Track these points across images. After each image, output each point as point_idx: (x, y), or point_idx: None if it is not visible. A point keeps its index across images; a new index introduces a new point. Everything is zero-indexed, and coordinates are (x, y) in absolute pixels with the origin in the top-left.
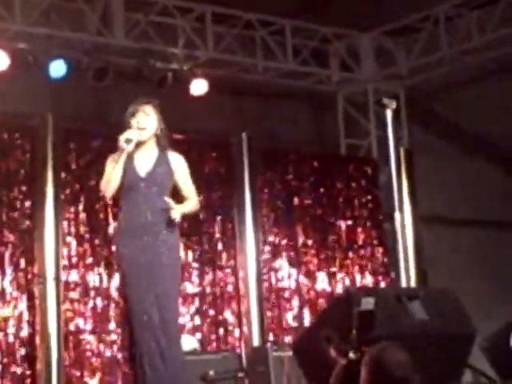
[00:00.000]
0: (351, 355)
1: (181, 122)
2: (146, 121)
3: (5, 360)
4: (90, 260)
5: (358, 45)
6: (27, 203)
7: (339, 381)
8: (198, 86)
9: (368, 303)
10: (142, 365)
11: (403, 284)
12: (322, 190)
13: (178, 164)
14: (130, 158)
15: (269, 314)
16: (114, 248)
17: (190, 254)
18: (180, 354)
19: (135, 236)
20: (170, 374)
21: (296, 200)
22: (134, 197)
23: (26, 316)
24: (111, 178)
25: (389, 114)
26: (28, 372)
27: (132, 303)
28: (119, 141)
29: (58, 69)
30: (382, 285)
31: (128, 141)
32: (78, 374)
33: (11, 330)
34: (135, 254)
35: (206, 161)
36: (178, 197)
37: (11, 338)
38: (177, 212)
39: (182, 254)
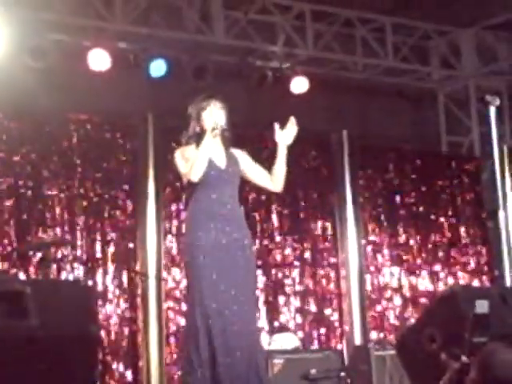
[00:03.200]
0: (464, 359)
1: (281, 120)
2: (217, 115)
3: (107, 357)
4: None
5: (459, 41)
6: (129, 202)
7: None
8: (298, 84)
9: (482, 306)
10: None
11: (507, 283)
12: (423, 187)
13: (242, 156)
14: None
15: (371, 312)
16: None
17: (291, 252)
18: None
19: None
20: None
21: (397, 198)
22: (211, 189)
23: (127, 314)
24: (198, 164)
25: (492, 111)
26: (130, 369)
27: (207, 299)
28: (211, 124)
29: (158, 68)
30: (486, 283)
31: (217, 125)
32: (179, 373)
33: (114, 327)
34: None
35: (306, 159)
36: None
37: (113, 336)
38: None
39: None
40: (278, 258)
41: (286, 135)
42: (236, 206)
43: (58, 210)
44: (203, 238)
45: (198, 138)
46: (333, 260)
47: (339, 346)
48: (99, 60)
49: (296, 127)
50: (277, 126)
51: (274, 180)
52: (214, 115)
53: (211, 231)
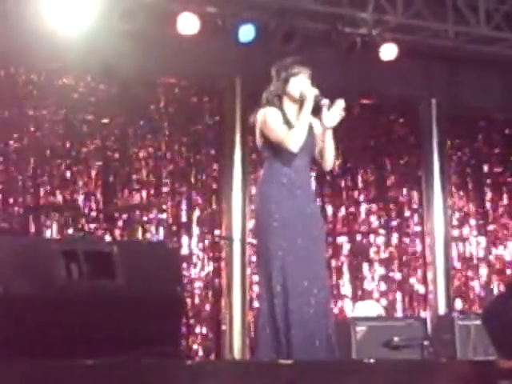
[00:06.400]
0: None
1: (369, 86)
2: (307, 84)
3: (191, 320)
4: None
5: None
6: (215, 166)
7: None
8: (388, 51)
9: None
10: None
11: None
12: None
13: (318, 127)
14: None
15: (456, 281)
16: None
17: (377, 220)
18: None
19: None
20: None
21: (485, 167)
22: (295, 161)
23: (211, 278)
24: (301, 133)
25: None
26: (212, 333)
27: (289, 266)
28: (298, 92)
29: (246, 33)
30: None
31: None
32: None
33: (197, 291)
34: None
35: (393, 126)
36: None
37: (197, 299)
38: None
39: None
40: (364, 225)
41: (331, 117)
42: (309, 177)
43: (144, 173)
44: (283, 209)
45: (279, 100)
46: (418, 228)
47: (423, 315)
48: (188, 24)
49: (343, 113)
50: (325, 104)
51: (323, 161)
52: (303, 84)
53: (291, 202)
